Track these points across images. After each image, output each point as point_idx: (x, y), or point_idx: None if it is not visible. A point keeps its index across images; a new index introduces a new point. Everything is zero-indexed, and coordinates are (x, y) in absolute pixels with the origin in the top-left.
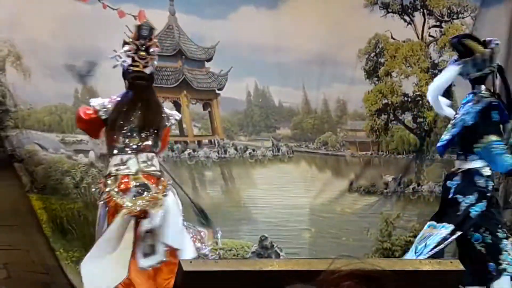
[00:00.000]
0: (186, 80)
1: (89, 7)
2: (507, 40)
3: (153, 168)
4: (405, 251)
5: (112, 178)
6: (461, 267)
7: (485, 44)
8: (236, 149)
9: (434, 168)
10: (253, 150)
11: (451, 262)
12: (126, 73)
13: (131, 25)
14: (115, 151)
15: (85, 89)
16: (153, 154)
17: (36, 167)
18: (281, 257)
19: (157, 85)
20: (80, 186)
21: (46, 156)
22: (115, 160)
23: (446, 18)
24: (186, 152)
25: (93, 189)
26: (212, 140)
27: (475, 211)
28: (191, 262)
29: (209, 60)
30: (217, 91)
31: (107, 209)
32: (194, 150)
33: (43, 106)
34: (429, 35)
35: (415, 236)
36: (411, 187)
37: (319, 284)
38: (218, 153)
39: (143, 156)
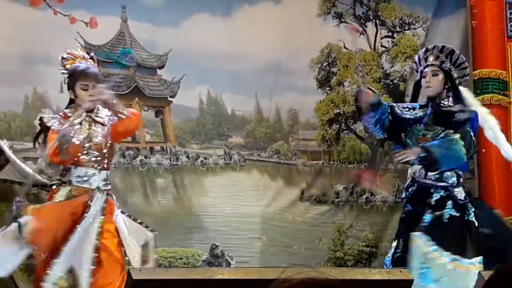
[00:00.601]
0: (138, 87)
1: (40, 13)
2: (459, 50)
3: None
4: (357, 260)
5: None
6: (410, 276)
7: None
8: (188, 156)
9: (388, 178)
10: (205, 158)
11: (401, 272)
12: None
13: (82, 31)
14: None
15: (36, 96)
16: None
17: None
18: (231, 266)
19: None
20: (30, 193)
21: None
22: None
23: (398, 29)
24: (138, 159)
25: None
26: (164, 147)
27: None
28: (140, 270)
29: (161, 67)
30: (169, 99)
31: None
32: (146, 157)
33: None
34: (381, 45)
35: (367, 246)
36: (364, 196)
37: None
38: (170, 160)
39: None
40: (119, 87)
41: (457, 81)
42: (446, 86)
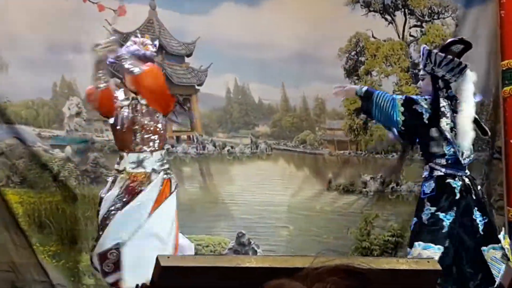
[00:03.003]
0: (166, 75)
1: (69, 1)
2: (488, 40)
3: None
4: (383, 250)
5: None
6: (438, 266)
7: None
8: (214, 145)
9: (413, 168)
10: (232, 147)
11: (428, 262)
12: None
13: (110, 19)
14: None
15: (64, 83)
16: None
17: (17, 160)
18: (258, 254)
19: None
20: (58, 180)
21: (26, 150)
22: None
23: (427, 18)
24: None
25: None
26: (191, 136)
27: None
28: (168, 257)
29: (189, 55)
30: (196, 87)
31: None
32: (172, 146)
33: (20, 100)
34: (410, 35)
35: (393, 236)
36: (390, 186)
37: (302, 279)
38: (197, 149)
39: None
40: None
41: (448, 77)
42: (438, 86)
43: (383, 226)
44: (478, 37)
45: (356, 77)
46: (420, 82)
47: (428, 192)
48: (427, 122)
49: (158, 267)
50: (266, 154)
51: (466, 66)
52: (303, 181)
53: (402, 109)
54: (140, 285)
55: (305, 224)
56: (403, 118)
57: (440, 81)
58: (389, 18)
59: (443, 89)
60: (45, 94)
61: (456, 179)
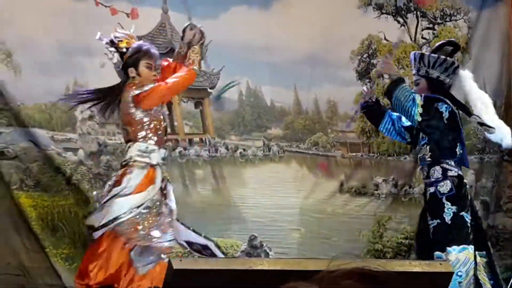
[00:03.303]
0: None
1: (82, 4)
2: (499, 42)
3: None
4: (396, 252)
5: None
6: (450, 268)
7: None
8: (227, 148)
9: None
10: (244, 150)
11: (441, 264)
12: None
13: (123, 22)
14: None
15: (77, 87)
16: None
17: (31, 163)
18: (270, 257)
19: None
20: (71, 183)
21: (39, 153)
22: None
23: (439, 21)
24: (176, 150)
25: None
26: (203, 139)
27: None
28: (181, 260)
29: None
30: (209, 90)
31: None
32: (185, 148)
33: (33, 103)
34: (422, 37)
35: (406, 238)
36: (403, 189)
37: (318, 282)
38: (209, 152)
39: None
40: None
41: (442, 77)
42: (434, 87)
43: (396, 228)
44: (490, 39)
45: (368, 80)
46: (414, 87)
47: (446, 192)
48: (446, 122)
49: (170, 269)
50: (279, 157)
51: (458, 65)
52: (315, 183)
53: (420, 109)
54: None
55: (317, 226)
56: (420, 118)
57: (435, 82)
58: (401, 20)
59: (439, 90)
60: (57, 98)
61: (465, 180)
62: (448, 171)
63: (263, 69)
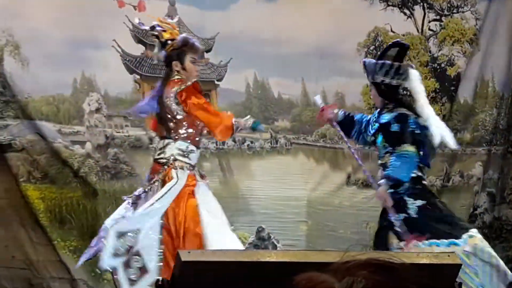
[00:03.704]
0: None
1: None
2: (507, 33)
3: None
4: None
5: None
6: (458, 260)
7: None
8: (234, 140)
9: (434, 162)
10: (251, 142)
11: (449, 256)
12: None
13: (130, 15)
14: None
15: (84, 79)
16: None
17: (38, 156)
18: (278, 249)
19: (157, 75)
20: (79, 176)
21: (46, 146)
22: None
23: (446, 12)
24: None
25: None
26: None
27: None
28: (189, 252)
29: (208, 51)
30: (216, 82)
31: None
32: None
33: (40, 96)
34: (429, 29)
35: None
36: None
37: (332, 273)
38: (216, 144)
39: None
40: None
41: (387, 80)
42: (383, 92)
43: None
44: (499, 31)
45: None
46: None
47: (404, 191)
48: (414, 133)
49: (178, 262)
50: (286, 149)
51: (400, 66)
52: (323, 175)
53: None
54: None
55: (324, 218)
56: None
57: (383, 86)
58: (407, 12)
59: (387, 94)
60: (65, 90)
61: (424, 181)
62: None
63: (271, 61)
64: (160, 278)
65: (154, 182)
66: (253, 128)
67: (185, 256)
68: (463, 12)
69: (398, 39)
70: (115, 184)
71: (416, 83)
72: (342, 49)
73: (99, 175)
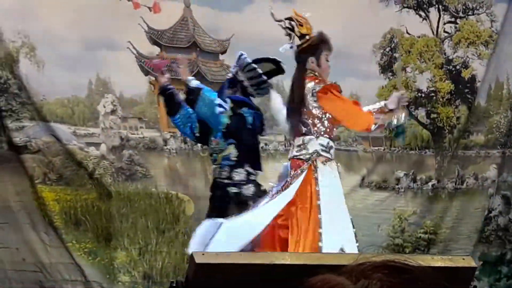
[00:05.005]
0: (200, 72)
1: None
2: None
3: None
4: (415, 247)
5: None
6: (472, 263)
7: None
8: None
9: (448, 165)
10: (266, 144)
11: (463, 259)
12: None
13: (146, 16)
14: None
15: (99, 81)
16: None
17: (53, 157)
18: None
19: (172, 77)
20: (94, 177)
21: (62, 147)
22: None
23: (461, 14)
24: (198, 144)
25: None
26: None
27: None
28: (203, 254)
29: (223, 52)
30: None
31: None
32: None
33: (55, 98)
34: (444, 31)
35: (426, 233)
36: (423, 183)
37: (347, 275)
38: None
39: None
40: None
41: (246, 84)
42: (234, 89)
43: (417, 222)
44: None
45: (390, 73)
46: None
47: (250, 194)
48: (250, 127)
49: (192, 263)
50: None
51: (266, 81)
52: None
53: (230, 112)
54: (175, 282)
55: None
56: (228, 121)
57: (238, 85)
58: (423, 14)
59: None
60: (80, 92)
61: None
62: (251, 175)
63: (286, 62)
64: (175, 280)
65: (297, 176)
66: (395, 134)
67: (199, 258)
68: (478, 14)
69: (276, 59)
70: (130, 186)
71: (276, 105)
72: (358, 50)
73: (114, 176)
